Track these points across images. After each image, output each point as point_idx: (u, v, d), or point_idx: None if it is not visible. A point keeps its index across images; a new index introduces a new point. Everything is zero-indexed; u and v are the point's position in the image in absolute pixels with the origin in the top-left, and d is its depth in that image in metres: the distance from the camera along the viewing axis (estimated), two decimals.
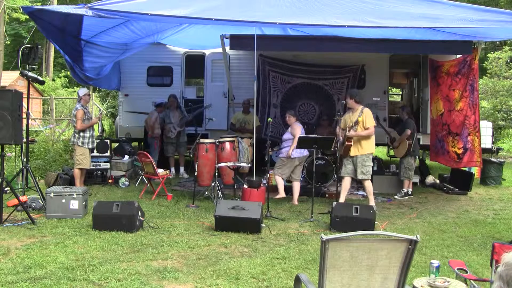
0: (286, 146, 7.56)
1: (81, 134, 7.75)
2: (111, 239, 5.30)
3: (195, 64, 11.07)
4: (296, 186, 7.60)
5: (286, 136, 7.65)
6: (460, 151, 8.31)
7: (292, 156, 7.45)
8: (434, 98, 9.29)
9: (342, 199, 7.11)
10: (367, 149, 6.98)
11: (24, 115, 6.66)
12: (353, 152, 6.97)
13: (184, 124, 9.85)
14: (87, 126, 7.80)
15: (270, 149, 7.17)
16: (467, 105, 8.11)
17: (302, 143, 7.01)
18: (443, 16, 6.56)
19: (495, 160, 10.05)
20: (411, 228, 6.13)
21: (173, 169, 9.92)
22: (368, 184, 7.07)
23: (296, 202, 7.47)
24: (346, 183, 7.16)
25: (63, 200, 6.23)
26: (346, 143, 6.97)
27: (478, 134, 8.02)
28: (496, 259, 3.20)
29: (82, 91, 8.07)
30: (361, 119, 6.89)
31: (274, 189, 7.80)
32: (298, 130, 7.49)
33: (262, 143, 8.30)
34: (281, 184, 7.75)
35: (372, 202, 7.01)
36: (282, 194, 7.73)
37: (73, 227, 5.80)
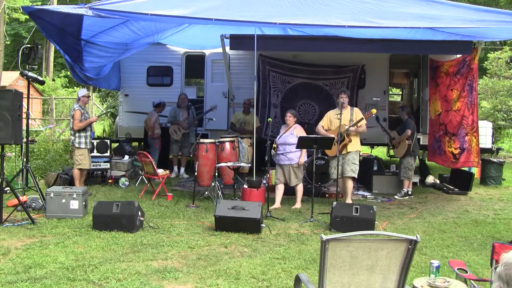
0: (295, 150, 7.12)
1: (77, 134, 7.74)
2: (111, 239, 5.30)
3: (195, 64, 11.07)
4: (300, 188, 7.39)
5: (292, 139, 7.08)
6: (456, 151, 8.31)
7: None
8: (432, 98, 9.30)
9: (349, 199, 7.20)
10: (357, 146, 7.26)
11: (24, 115, 6.66)
12: (346, 149, 7.07)
13: (192, 125, 9.85)
14: (84, 124, 7.75)
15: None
16: (464, 105, 8.10)
17: (302, 143, 7.00)
18: (443, 16, 6.56)
19: (495, 160, 10.04)
20: (411, 228, 6.13)
21: (175, 168, 9.92)
22: (352, 182, 7.28)
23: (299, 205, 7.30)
24: (341, 183, 7.28)
25: (63, 200, 6.23)
26: (346, 139, 7.06)
27: (476, 134, 8.01)
28: (496, 259, 3.20)
29: (82, 92, 8.07)
30: (355, 118, 7.07)
31: (274, 189, 7.74)
32: (303, 133, 7.22)
33: (262, 143, 8.27)
34: (301, 192, 7.39)
35: (349, 199, 7.17)
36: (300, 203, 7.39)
37: (73, 227, 5.80)
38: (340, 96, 7.21)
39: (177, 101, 9.89)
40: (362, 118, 7.03)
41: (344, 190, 7.32)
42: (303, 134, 7.24)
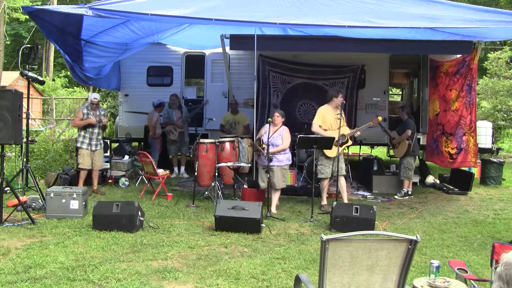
0: (284, 152, 7.00)
1: (78, 133, 7.89)
2: (111, 239, 5.30)
3: (195, 64, 11.08)
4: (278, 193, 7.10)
5: (279, 141, 6.91)
6: (453, 151, 8.31)
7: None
8: (431, 98, 9.31)
9: (345, 199, 7.19)
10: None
11: (24, 115, 6.66)
12: (341, 150, 7.09)
13: (186, 124, 9.85)
14: (82, 124, 7.80)
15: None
16: (463, 105, 8.10)
17: (302, 143, 6.97)
18: (443, 16, 6.56)
19: (495, 160, 10.04)
20: (411, 228, 6.13)
21: (176, 169, 9.92)
22: (344, 180, 7.29)
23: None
24: (327, 182, 7.30)
25: (63, 200, 6.24)
26: (350, 141, 7.10)
27: (474, 134, 8.02)
28: (496, 259, 3.20)
29: (91, 95, 8.22)
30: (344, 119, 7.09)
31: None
32: (289, 137, 7.04)
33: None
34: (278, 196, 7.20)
35: (346, 199, 7.16)
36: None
37: (73, 227, 5.80)
38: (340, 96, 7.14)
39: (168, 102, 9.91)
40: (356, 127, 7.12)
41: (341, 188, 7.23)
42: (289, 138, 7.03)
